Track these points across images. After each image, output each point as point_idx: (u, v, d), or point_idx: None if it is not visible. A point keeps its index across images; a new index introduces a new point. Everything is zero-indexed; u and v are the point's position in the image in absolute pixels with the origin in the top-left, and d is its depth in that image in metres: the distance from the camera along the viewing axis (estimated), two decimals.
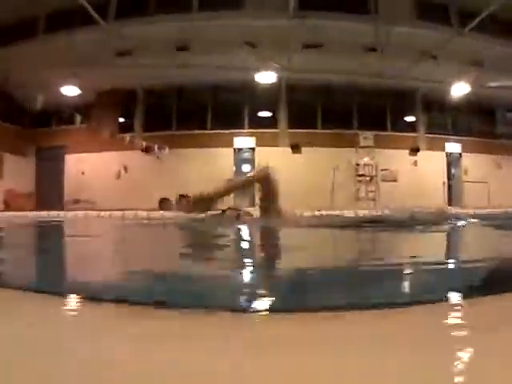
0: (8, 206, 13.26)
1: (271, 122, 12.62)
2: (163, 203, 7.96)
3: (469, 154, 12.86)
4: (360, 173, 12.34)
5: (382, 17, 11.00)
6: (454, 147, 12.87)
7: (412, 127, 12.83)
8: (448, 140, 12.87)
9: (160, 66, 11.45)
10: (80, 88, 12.34)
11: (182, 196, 7.32)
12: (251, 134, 12.56)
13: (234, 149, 12.58)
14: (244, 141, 12.54)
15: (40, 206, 13.03)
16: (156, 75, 12.01)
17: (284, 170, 12.06)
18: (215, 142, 12.51)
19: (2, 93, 13.53)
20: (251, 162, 12.50)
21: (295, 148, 12.35)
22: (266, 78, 11.64)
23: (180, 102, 12.81)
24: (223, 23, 11.07)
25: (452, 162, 12.91)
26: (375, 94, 12.39)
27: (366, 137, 12.42)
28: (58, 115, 13.92)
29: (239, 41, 11.48)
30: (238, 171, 12.59)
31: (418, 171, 12.49)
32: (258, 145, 12.52)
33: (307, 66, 11.45)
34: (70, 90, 12.46)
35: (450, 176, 12.82)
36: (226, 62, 11.45)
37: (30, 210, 12.14)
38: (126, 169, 12.88)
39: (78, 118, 13.85)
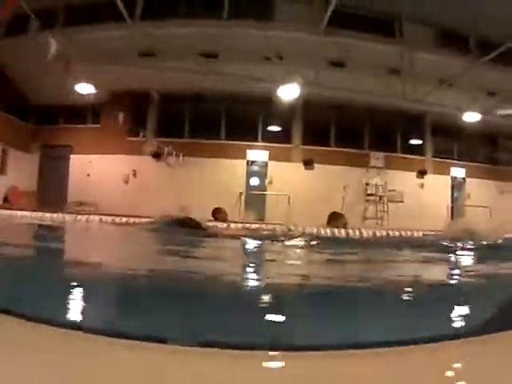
0: (8, 204, 12.91)
1: (285, 137, 12.68)
2: (217, 213, 8.11)
3: (472, 179, 13.30)
4: (369, 192, 12.57)
5: (407, 41, 11.25)
6: (458, 172, 13.28)
7: (420, 150, 13.14)
8: (453, 164, 13.26)
9: (182, 70, 11.32)
10: (95, 86, 12.07)
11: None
12: (265, 148, 12.59)
13: (247, 161, 12.59)
14: (257, 154, 12.57)
15: (41, 206, 12.74)
16: (175, 80, 11.86)
17: (296, 185, 12.29)
18: (228, 153, 12.49)
19: (8, 85, 13.10)
20: (263, 175, 12.55)
21: (308, 164, 12.47)
22: (286, 92, 11.65)
23: (195, 109, 12.69)
24: (251, 33, 11.07)
25: (456, 185, 13.32)
26: (388, 115, 12.62)
27: (377, 157, 12.66)
28: (67, 113, 13.55)
29: (264, 53, 11.51)
30: (250, 184, 12.65)
31: (423, 193, 12.83)
32: (271, 158, 12.58)
33: (328, 83, 11.55)
34: (84, 88, 12.16)
35: (453, 199, 13.24)
36: (248, 72, 11.43)
37: (31, 210, 11.87)
38: (135, 173, 12.71)
39: (88, 117, 13.52)
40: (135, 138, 12.75)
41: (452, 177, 13.29)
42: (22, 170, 13.49)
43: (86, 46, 11.72)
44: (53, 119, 13.69)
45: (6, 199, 13.13)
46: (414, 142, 13.21)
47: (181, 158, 12.39)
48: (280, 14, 11.40)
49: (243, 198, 12.29)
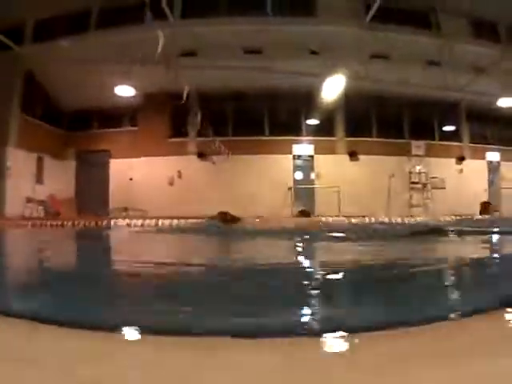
0: (48, 213, 12.49)
1: (329, 130, 12.78)
2: (302, 214, 8.21)
3: (507, 162, 13.75)
4: (413, 180, 12.81)
5: (445, 33, 11.57)
6: (493, 156, 13.72)
7: (457, 137, 13.50)
8: (489, 149, 13.68)
9: (226, 68, 11.26)
10: (135, 88, 11.86)
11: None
12: (310, 142, 12.66)
13: (294, 155, 12.62)
14: (303, 148, 12.62)
15: (82, 214, 12.38)
16: (218, 78, 11.78)
17: (343, 176, 12.39)
18: (274, 149, 12.49)
19: (39, 91, 12.72)
20: (310, 169, 12.61)
21: (353, 155, 12.61)
22: (329, 85, 11.76)
23: (239, 106, 12.63)
24: (294, 29, 11.13)
25: (492, 169, 13.75)
26: (425, 104, 12.91)
27: (418, 146, 12.92)
28: (102, 117, 13.24)
29: (307, 47, 11.60)
30: (297, 178, 12.67)
31: (463, 178, 13.17)
32: (316, 152, 12.65)
33: (370, 75, 11.73)
34: (124, 90, 11.92)
35: (489, 183, 13.66)
36: (292, 67, 11.48)
37: (73, 218, 11.53)
38: (180, 174, 12.53)
39: (124, 120, 13.25)
40: (178, 139, 12.58)
41: (488, 161, 13.71)
42: (59, 178, 13.10)
43: (125, 47, 11.53)
44: (86, 124, 13.37)
45: (45, 209, 12.72)
46: (450, 129, 13.55)
47: (227, 156, 12.30)
48: (321, 9, 11.51)
49: (292, 192, 12.31)
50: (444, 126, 13.51)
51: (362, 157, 12.70)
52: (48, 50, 12.02)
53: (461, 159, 13.22)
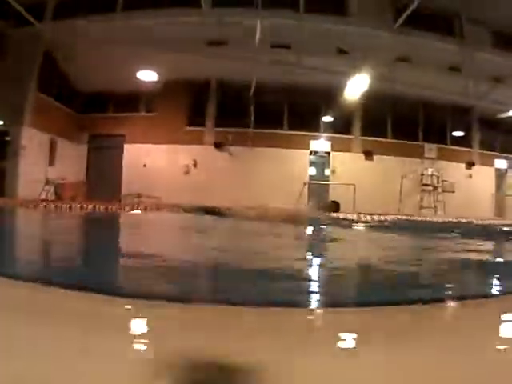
0: (59, 196, 12.28)
1: (346, 128, 12.90)
2: (332, 205, 8.44)
3: None
4: (424, 182, 13.03)
5: (467, 41, 11.82)
6: (501, 163, 14.06)
7: (468, 143, 13.79)
8: (497, 156, 14.01)
9: (253, 60, 11.24)
10: (158, 74, 11.75)
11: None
12: (327, 138, 12.75)
13: (311, 151, 12.69)
14: (320, 144, 12.70)
15: (92, 198, 12.21)
16: (241, 69, 11.75)
17: (357, 175, 12.52)
18: (291, 143, 12.53)
19: (56, 70, 12.47)
20: (326, 165, 12.71)
21: (368, 155, 12.75)
22: (351, 84, 11.87)
23: (258, 99, 12.61)
24: (324, 27, 11.20)
25: (499, 176, 14.09)
26: (440, 108, 13.16)
27: (430, 148, 13.15)
28: (118, 101, 13.05)
29: (334, 45, 11.68)
30: (313, 173, 12.75)
31: (471, 183, 13.47)
32: (333, 149, 12.75)
33: (391, 77, 11.90)
34: (144, 75, 11.81)
35: (496, 189, 14.00)
36: (316, 64, 11.55)
37: (84, 201, 11.38)
38: (195, 164, 12.47)
39: (141, 105, 13.09)
40: (195, 128, 12.52)
41: (496, 168, 14.04)
42: (70, 161, 12.89)
43: (152, 31, 11.42)
44: (101, 107, 13.17)
45: (56, 192, 12.49)
46: (462, 134, 13.83)
47: (244, 147, 12.30)
48: (352, 9, 11.60)
49: (307, 187, 12.39)
50: (456, 130, 13.78)
51: (376, 156, 12.86)
52: (69, 28, 11.81)
53: (471, 164, 13.51)
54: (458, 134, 13.82)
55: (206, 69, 12.08)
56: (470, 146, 13.72)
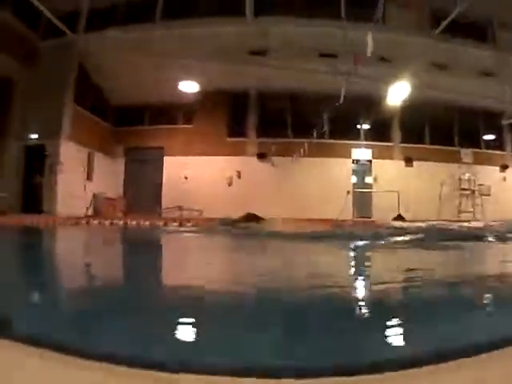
0: (97, 212, 11.83)
1: (387, 136, 12.95)
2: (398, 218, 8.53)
3: None
4: (462, 187, 13.19)
5: (502, 47, 12.09)
6: None
7: (501, 146, 14.06)
8: None
9: (296, 69, 11.18)
10: (200, 84, 11.52)
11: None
12: (368, 147, 12.75)
13: (353, 160, 12.66)
14: (361, 152, 12.69)
15: (131, 212, 11.82)
16: (283, 79, 11.68)
17: (398, 182, 12.56)
18: (333, 152, 12.48)
19: (90, 82, 12.09)
20: (368, 173, 12.70)
21: (408, 161, 12.82)
22: (391, 92, 11.94)
23: (300, 108, 12.53)
24: (363, 35, 11.21)
25: None
26: (474, 113, 13.40)
27: (466, 153, 13.34)
28: (154, 113, 12.73)
29: (374, 54, 11.71)
30: (355, 182, 12.71)
31: (506, 186, 13.70)
32: (374, 157, 12.76)
33: (429, 84, 12.04)
34: (184, 86, 11.55)
35: None
36: (360, 72, 11.56)
37: (126, 217, 11.00)
38: (239, 175, 12.24)
39: (179, 117, 12.81)
40: (236, 139, 12.32)
41: None
42: (107, 175, 12.46)
43: (191, 41, 11.22)
44: (137, 120, 12.82)
45: (94, 208, 12.03)
46: (495, 137, 14.10)
47: (286, 157, 12.17)
48: (390, 17, 11.70)
49: (351, 195, 12.33)
50: (489, 134, 14.04)
51: (415, 163, 12.94)
52: (104, 39, 11.51)
53: (504, 167, 13.77)
54: (491, 137, 14.07)
55: (247, 79, 11.94)
56: (502, 149, 13.99)
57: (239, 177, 12.22)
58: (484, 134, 14.01)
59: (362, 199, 12.35)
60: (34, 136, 11.34)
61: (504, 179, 13.79)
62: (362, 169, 12.75)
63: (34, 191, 11.54)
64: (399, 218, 10.27)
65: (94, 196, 11.89)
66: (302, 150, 12.01)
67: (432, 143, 13.24)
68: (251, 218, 8.64)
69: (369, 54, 8.36)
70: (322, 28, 11.10)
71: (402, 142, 12.98)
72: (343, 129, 12.67)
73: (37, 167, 11.41)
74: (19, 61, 11.41)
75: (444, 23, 10.93)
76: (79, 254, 3.43)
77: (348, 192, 12.34)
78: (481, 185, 13.39)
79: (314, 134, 12.17)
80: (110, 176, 12.49)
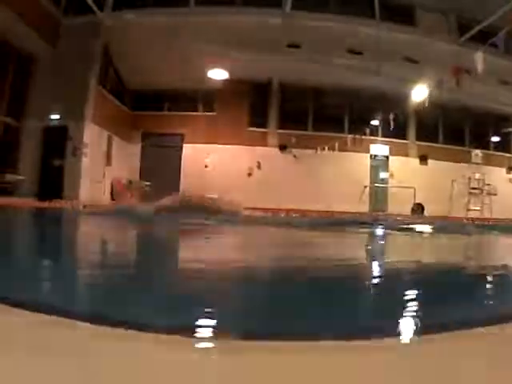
0: (115, 198, 11.73)
1: (403, 133, 13.23)
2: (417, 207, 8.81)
3: None
4: (472, 186, 13.65)
5: None
6: None
7: (508, 148, 14.60)
8: None
9: (328, 64, 11.25)
10: (229, 73, 11.45)
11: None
12: (386, 143, 13.01)
13: (371, 155, 12.90)
14: (379, 148, 12.94)
15: (149, 199, 11.75)
16: (310, 72, 11.73)
17: (413, 178, 12.91)
18: (352, 147, 12.67)
19: (111, 65, 11.84)
20: (384, 168, 12.98)
21: (423, 159, 13.17)
22: (413, 92, 12.17)
23: (322, 102, 12.64)
24: (396, 36, 11.39)
25: None
26: (484, 116, 13.83)
27: (476, 154, 13.79)
28: (175, 99, 12.58)
29: (403, 54, 11.90)
30: (372, 177, 12.99)
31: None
32: (391, 153, 13.04)
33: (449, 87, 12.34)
34: (217, 74, 11.46)
35: None
36: (384, 71, 11.75)
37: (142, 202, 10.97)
38: (259, 165, 12.31)
39: (199, 104, 12.70)
40: (258, 129, 12.35)
41: None
42: (124, 160, 12.30)
43: (220, 28, 11.13)
44: (156, 105, 12.63)
45: (111, 193, 11.91)
46: (502, 139, 14.62)
47: (307, 149, 12.31)
48: (421, 21, 11.87)
49: (367, 190, 12.62)
50: (497, 136, 14.54)
51: (430, 161, 13.31)
52: (130, 20, 11.27)
53: (511, 169, 14.32)
54: (498, 139, 14.58)
55: (272, 70, 11.94)
56: (510, 152, 14.52)
57: (259, 167, 12.30)
58: (493, 136, 14.50)
59: (378, 194, 12.65)
60: (55, 117, 11.06)
61: (510, 180, 14.35)
62: (377, 164, 13.03)
63: (52, 175, 11.32)
64: (417, 208, 10.49)
65: (113, 181, 11.76)
66: (324, 144, 12.17)
67: (445, 143, 13.62)
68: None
69: (478, 71, 8.44)
70: (353, 25, 11.16)
71: (418, 140, 13.30)
72: (363, 124, 12.86)
73: (56, 150, 11.17)
74: (41, 36, 11.02)
75: (471, 32, 11.20)
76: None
77: (365, 186, 12.62)
78: (488, 184, 13.89)
79: (336, 129, 12.33)
80: (126, 161, 12.35)
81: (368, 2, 11.42)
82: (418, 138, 13.33)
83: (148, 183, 11.47)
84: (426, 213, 11.28)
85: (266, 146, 12.39)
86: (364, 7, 11.42)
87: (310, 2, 11.09)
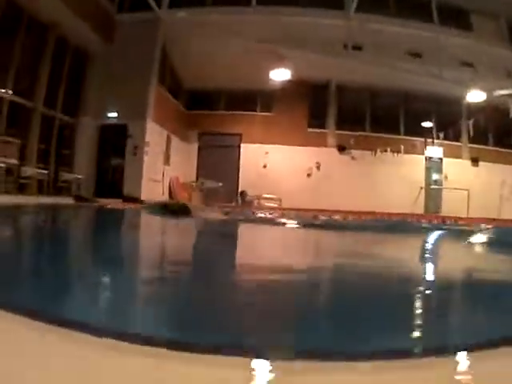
0: (173, 198, 11.25)
1: (456, 136, 13.25)
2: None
3: None
4: None
5: None
6: None
7: None
8: None
9: (389, 67, 11.20)
10: (292, 73, 11.23)
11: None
12: (440, 145, 12.99)
13: (426, 157, 12.85)
14: (434, 150, 12.91)
15: (207, 199, 11.34)
16: (371, 75, 11.66)
17: (466, 180, 12.91)
18: (408, 149, 12.61)
19: (170, 63, 11.50)
20: (439, 170, 12.93)
21: (474, 161, 13.20)
22: (469, 96, 12.24)
23: (379, 104, 12.56)
24: (453, 40, 11.47)
25: None
26: None
27: None
28: (232, 98, 12.28)
29: (459, 58, 11.99)
30: (428, 178, 12.91)
31: None
32: (444, 156, 13.02)
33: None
34: (279, 74, 11.23)
35: None
36: (442, 74, 11.79)
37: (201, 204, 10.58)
38: (318, 166, 12.07)
39: (258, 104, 12.43)
40: (317, 130, 12.16)
41: None
42: (182, 160, 11.87)
43: (283, 28, 10.99)
44: (213, 105, 12.31)
45: (169, 193, 11.43)
46: None
47: (365, 151, 12.17)
48: (476, 25, 12.02)
49: (423, 191, 12.52)
50: None
51: (481, 163, 13.35)
52: (190, 17, 11.01)
53: None
54: None
55: (333, 71, 11.82)
56: None
57: (318, 168, 12.06)
58: None
59: (434, 196, 12.56)
60: (113, 115, 10.60)
61: None
62: (435, 166, 12.98)
63: (110, 174, 10.80)
64: None
65: (171, 181, 11.29)
66: (381, 145, 12.04)
67: (495, 145, 13.71)
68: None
69: None
70: (413, 28, 11.18)
71: (470, 142, 13.35)
72: (419, 126, 12.85)
73: (114, 148, 10.68)
74: (97, 33, 10.64)
75: None
76: None
77: (421, 188, 12.52)
78: None
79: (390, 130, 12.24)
80: (183, 160, 11.93)
81: (425, 5, 11.48)
82: (471, 140, 13.38)
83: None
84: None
85: (324, 146, 12.18)
86: (421, 11, 11.47)
87: (371, 4, 11.04)
